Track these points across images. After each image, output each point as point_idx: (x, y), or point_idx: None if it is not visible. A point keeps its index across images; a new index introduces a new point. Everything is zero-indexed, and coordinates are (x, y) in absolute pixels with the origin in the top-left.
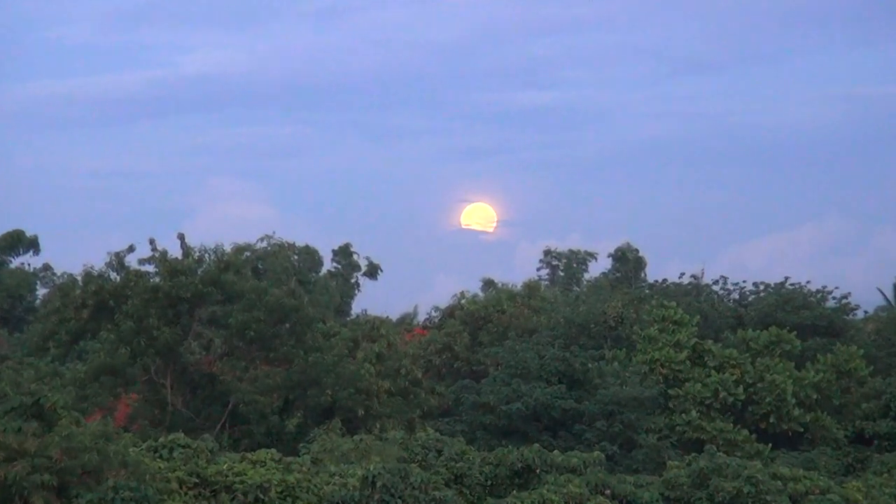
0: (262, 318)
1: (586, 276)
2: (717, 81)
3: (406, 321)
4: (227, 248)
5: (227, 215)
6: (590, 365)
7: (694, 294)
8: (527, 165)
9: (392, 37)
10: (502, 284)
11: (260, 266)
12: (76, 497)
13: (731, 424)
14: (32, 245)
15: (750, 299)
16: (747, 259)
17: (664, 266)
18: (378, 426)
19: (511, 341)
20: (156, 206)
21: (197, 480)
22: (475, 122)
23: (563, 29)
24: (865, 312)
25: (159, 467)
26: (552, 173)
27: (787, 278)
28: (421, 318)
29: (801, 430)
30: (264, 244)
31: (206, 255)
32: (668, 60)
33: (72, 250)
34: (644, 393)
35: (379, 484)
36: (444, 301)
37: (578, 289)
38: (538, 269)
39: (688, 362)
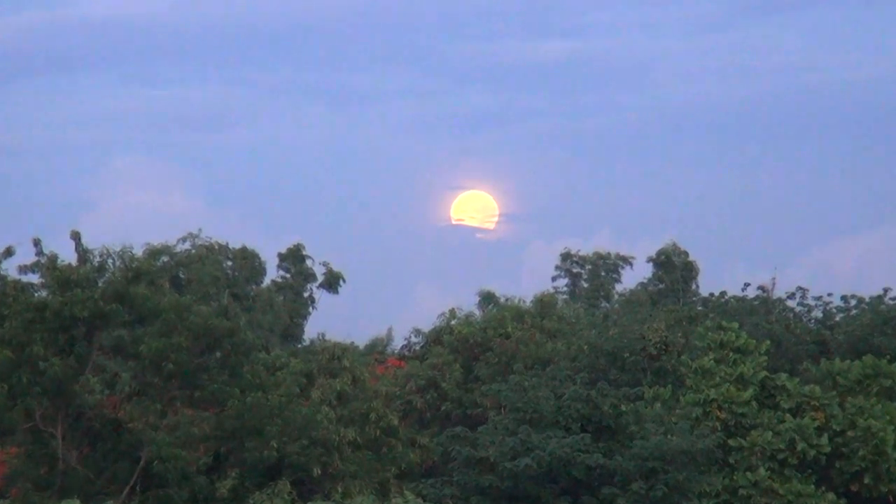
0: (184, 345)
1: (619, 287)
2: (799, 23)
3: (377, 348)
4: (138, 252)
5: (136, 207)
6: (623, 407)
7: (763, 312)
8: (538, 140)
9: None
10: (506, 299)
11: (181, 275)
12: None
13: (813, 486)
14: None
15: (837, 319)
16: (834, 264)
17: (722, 274)
18: (340, 489)
19: (518, 375)
20: (41, 194)
21: None
22: (467, 82)
23: None
24: None
25: None
26: (572, 150)
27: (886, 290)
28: (397, 344)
29: None
30: (187, 245)
31: (110, 261)
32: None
33: None
34: (696, 444)
35: None
36: (429, 322)
37: (608, 305)
38: (554, 279)
39: (754, 403)
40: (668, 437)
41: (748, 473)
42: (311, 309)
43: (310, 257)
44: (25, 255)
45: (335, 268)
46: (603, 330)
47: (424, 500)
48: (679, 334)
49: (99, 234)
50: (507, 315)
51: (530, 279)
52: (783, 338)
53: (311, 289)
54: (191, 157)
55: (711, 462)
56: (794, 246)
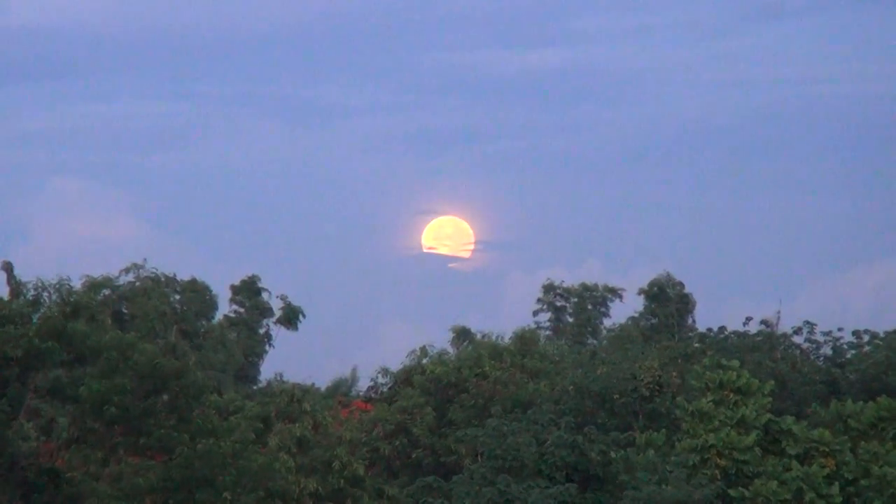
0: (127, 386)
1: (607, 322)
2: (805, 29)
3: (341, 390)
4: (76, 284)
5: (75, 235)
6: (613, 454)
7: (766, 349)
8: (518, 160)
9: None
10: (483, 335)
11: (125, 310)
12: None
13: None
14: None
15: (848, 356)
16: (845, 296)
17: (721, 308)
18: None
19: (496, 419)
20: None
21: None
22: (439, 96)
23: None
24: None
25: None
26: (555, 171)
27: None
28: (363, 385)
29: None
30: (130, 277)
31: (45, 294)
32: (735, 1)
33: None
34: (693, 495)
35: None
36: (397, 361)
37: (595, 341)
38: (536, 313)
39: (758, 449)
40: (663, 486)
41: None
42: (267, 347)
43: (266, 290)
44: None
45: (294, 302)
46: (590, 369)
47: None
48: (674, 374)
49: (33, 264)
50: (485, 353)
51: (510, 313)
52: (789, 377)
53: (267, 324)
54: (135, 180)
55: None
56: (801, 276)
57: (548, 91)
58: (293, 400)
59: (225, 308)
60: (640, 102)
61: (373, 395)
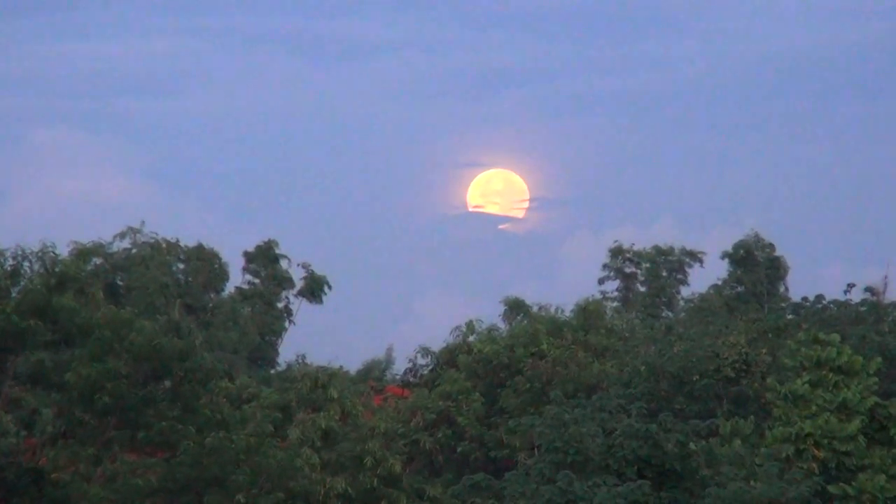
0: (123, 371)
1: (685, 291)
2: None
3: (374, 374)
4: (63, 252)
5: (61, 194)
6: (692, 445)
7: (872, 321)
8: (578, 103)
9: None
10: (539, 308)
11: (119, 281)
12: None
13: None
14: None
15: None
16: None
17: (818, 273)
18: None
19: (556, 406)
20: None
21: None
22: (485, 29)
23: None
24: None
25: None
26: (622, 116)
27: None
28: (399, 367)
29: None
30: (126, 243)
31: (27, 264)
32: None
33: None
34: (787, 493)
35: None
36: (439, 338)
37: (671, 314)
38: (602, 281)
39: (862, 438)
40: (751, 483)
41: None
42: (287, 324)
43: (285, 257)
44: None
45: (318, 271)
46: (665, 346)
47: None
48: (763, 350)
49: (12, 229)
50: (542, 328)
51: (571, 281)
52: None
53: (286, 298)
54: (131, 130)
55: None
56: None
57: (611, 21)
58: (317, 385)
59: (237, 279)
60: (716, 34)
61: (411, 380)
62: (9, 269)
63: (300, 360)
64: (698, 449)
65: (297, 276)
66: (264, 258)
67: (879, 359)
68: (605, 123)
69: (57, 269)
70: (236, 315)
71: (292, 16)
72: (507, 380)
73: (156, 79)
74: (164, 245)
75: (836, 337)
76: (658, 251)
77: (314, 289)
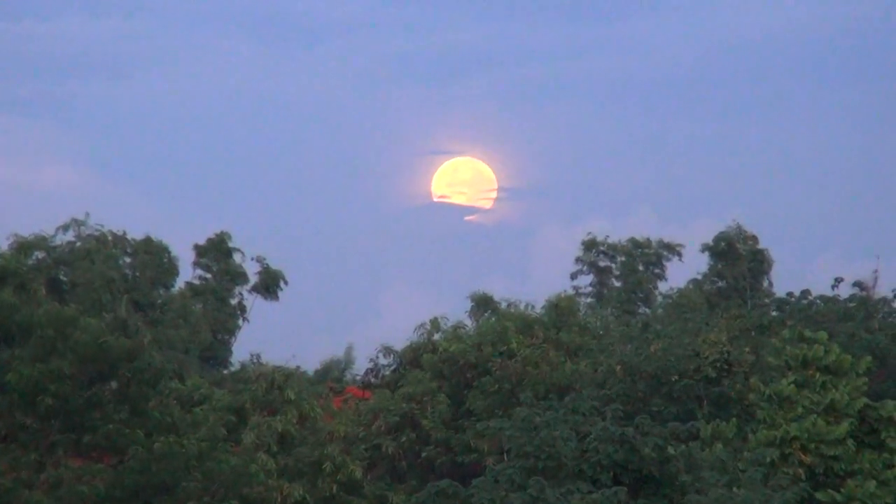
0: (66, 372)
1: (662, 286)
2: None
3: (333, 374)
4: (3, 244)
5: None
6: (671, 449)
7: (861, 317)
8: (550, 86)
9: None
10: (508, 304)
11: (63, 277)
12: None
13: None
14: None
15: None
16: None
17: (804, 267)
18: None
19: (526, 408)
20: None
21: None
22: (451, 9)
23: None
24: None
25: None
26: (596, 100)
27: None
28: (360, 367)
29: None
30: (70, 236)
31: None
32: None
33: None
34: (772, 499)
35: None
36: (403, 337)
37: (648, 310)
38: (574, 276)
39: (851, 442)
40: (734, 489)
41: None
42: (240, 321)
43: (238, 250)
44: None
45: (273, 265)
46: (642, 344)
47: None
48: (746, 349)
49: None
50: (511, 326)
51: (542, 276)
52: (889, 352)
53: (240, 293)
54: (74, 115)
55: None
56: None
57: (585, 1)
58: (273, 386)
59: (187, 273)
60: (699, 12)
61: (372, 380)
62: None
63: (255, 360)
64: (677, 453)
65: (252, 270)
66: (216, 252)
67: (869, 358)
68: (578, 109)
69: None
70: (187, 312)
71: None
72: (474, 380)
73: (100, 60)
74: (110, 238)
75: (823, 335)
76: (634, 244)
77: (269, 284)
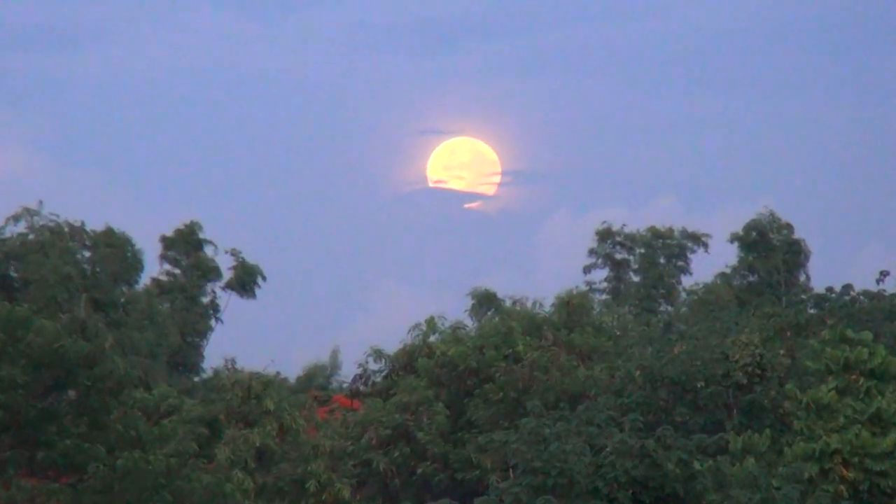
0: (18, 380)
1: (687, 281)
2: None
3: (317, 382)
4: None
5: None
6: (697, 464)
7: None
8: (560, 58)
9: None
10: (514, 302)
11: (14, 273)
12: None
13: None
14: None
15: None
16: None
17: (845, 259)
18: None
19: (534, 419)
20: None
21: None
22: None
23: None
24: None
25: None
26: (612, 74)
27: None
28: (347, 373)
29: None
30: (21, 227)
31: None
32: None
33: None
34: None
35: None
36: (395, 339)
37: (671, 308)
38: (588, 270)
39: None
40: None
41: None
42: (213, 322)
43: (210, 243)
44: None
45: (249, 259)
46: (664, 347)
47: None
48: (781, 351)
49: None
50: (516, 326)
51: (551, 270)
52: None
53: (212, 291)
54: (21, 93)
55: None
56: None
57: None
58: (250, 395)
59: (153, 269)
60: None
61: (361, 388)
62: None
63: (229, 366)
64: (704, 469)
65: (225, 265)
66: (185, 244)
67: None
68: (592, 83)
69: None
70: (153, 312)
71: None
72: (475, 388)
73: (51, 30)
74: (66, 229)
75: (867, 335)
76: (654, 234)
77: (245, 280)
